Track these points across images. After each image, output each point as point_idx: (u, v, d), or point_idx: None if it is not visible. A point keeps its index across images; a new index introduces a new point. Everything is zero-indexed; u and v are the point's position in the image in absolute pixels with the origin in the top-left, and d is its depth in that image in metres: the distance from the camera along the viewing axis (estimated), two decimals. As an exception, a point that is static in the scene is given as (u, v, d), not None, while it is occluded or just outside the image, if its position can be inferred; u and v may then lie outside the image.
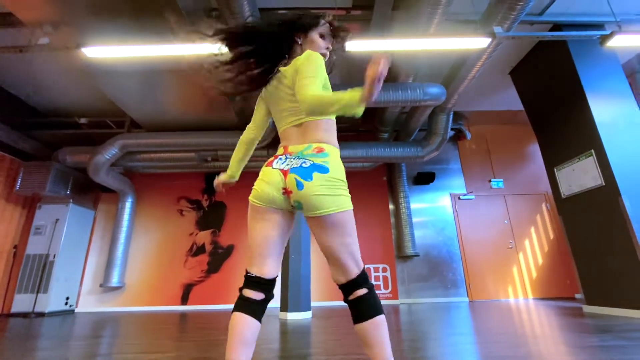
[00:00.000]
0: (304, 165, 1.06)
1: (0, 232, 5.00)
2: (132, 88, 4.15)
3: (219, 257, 5.69)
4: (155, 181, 6.12)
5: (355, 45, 3.03)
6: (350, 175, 6.00)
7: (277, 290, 4.12)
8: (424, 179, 6.10)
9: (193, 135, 4.87)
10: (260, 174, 1.12)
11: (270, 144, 5.05)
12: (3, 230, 5.06)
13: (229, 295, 5.44)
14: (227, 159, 5.39)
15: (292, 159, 1.10)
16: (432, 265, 5.65)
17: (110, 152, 4.83)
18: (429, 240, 5.80)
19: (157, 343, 2.41)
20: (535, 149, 6.17)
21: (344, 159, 5.16)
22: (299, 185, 1.02)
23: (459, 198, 6.09)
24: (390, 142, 5.27)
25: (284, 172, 1.07)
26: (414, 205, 5.96)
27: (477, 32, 3.26)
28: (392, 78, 4.29)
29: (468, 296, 5.48)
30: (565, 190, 3.91)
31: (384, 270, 5.60)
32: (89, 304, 5.44)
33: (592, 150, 3.54)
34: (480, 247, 5.76)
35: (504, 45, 3.83)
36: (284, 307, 3.81)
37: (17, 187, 4.95)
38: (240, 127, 5.06)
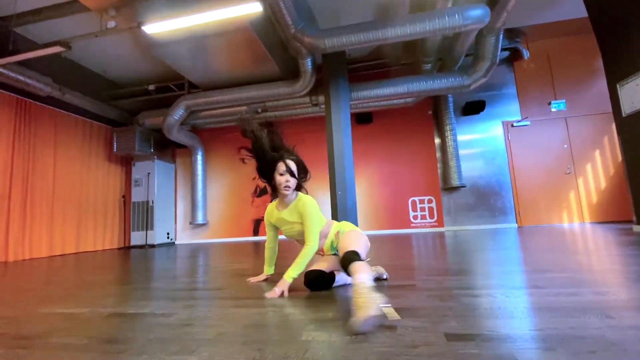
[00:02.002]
0: None
1: (110, 185, 6.35)
2: (185, 54, 4.64)
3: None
4: (218, 135, 6.92)
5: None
6: (393, 112, 6.12)
7: (328, 222, 4.75)
8: (473, 108, 5.89)
9: (242, 90, 5.33)
10: None
11: (312, 90, 5.32)
12: (112, 184, 6.40)
13: (290, 228, 6.32)
14: (274, 109, 5.84)
15: None
16: (480, 194, 5.75)
17: (177, 112, 5.59)
18: (476, 172, 5.82)
19: (237, 259, 3.20)
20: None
21: (384, 97, 5.25)
22: None
23: (512, 125, 5.82)
24: (432, 74, 5.13)
25: None
26: (461, 137, 5.90)
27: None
28: (430, 5, 4.08)
29: (517, 222, 5.57)
30: (627, 108, 3.61)
31: (430, 201, 5.89)
32: (184, 237, 6.83)
33: (662, 60, 3.16)
34: (533, 174, 5.62)
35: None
36: (335, 235, 4.45)
37: (115, 149, 6.10)
38: (282, 77, 5.38)
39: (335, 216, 4.48)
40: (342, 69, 4.83)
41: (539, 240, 3.28)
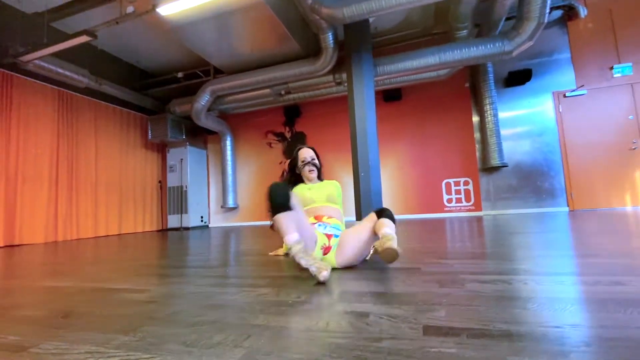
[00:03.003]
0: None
1: (147, 171, 6.69)
2: (204, 36, 4.62)
3: (305, 180, 6.41)
4: (245, 120, 6.95)
5: None
6: (424, 87, 5.67)
7: (352, 204, 4.54)
8: (518, 78, 5.26)
9: (264, 72, 5.23)
10: None
11: (335, 67, 5.08)
12: (149, 170, 6.74)
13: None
14: (298, 90, 5.69)
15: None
16: (524, 175, 5.18)
17: (203, 98, 5.66)
18: (521, 150, 5.23)
19: (254, 240, 3.17)
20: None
21: (414, 71, 4.85)
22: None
23: (565, 96, 5.11)
24: (467, 41, 4.61)
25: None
26: (503, 111, 5.31)
27: None
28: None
29: (569, 205, 4.95)
30: None
31: (466, 183, 5.43)
32: (217, 220, 7.05)
33: None
34: (589, 151, 4.92)
35: None
36: (358, 218, 4.27)
37: (149, 137, 6.38)
38: (303, 56, 5.19)
39: (357, 199, 4.29)
40: (366, 42, 4.51)
41: (591, 224, 2.83)
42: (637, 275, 1.06)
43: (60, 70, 4.80)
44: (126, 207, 6.14)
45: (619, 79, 4.87)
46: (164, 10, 3.44)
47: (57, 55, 4.65)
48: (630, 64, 4.82)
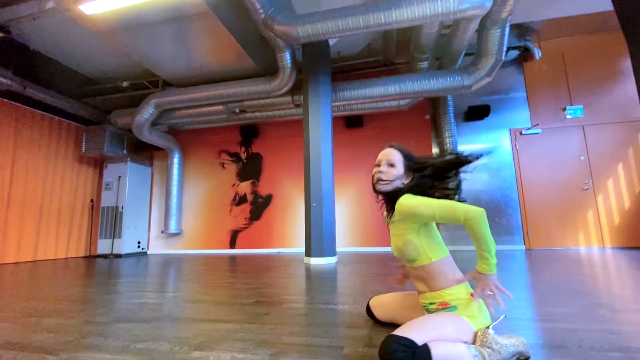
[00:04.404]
0: None
1: (79, 188, 5.89)
2: (149, 44, 4.17)
3: (259, 205, 5.93)
4: (197, 137, 6.43)
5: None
6: (386, 116, 5.51)
7: (301, 236, 4.13)
8: (477, 113, 5.25)
9: (216, 87, 4.83)
10: None
11: (293, 88, 4.78)
12: (82, 187, 5.95)
13: (270, 240, 5.72)
14: (255, 109, 5.32)
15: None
16: (483, 210, 5.05)
17: (147, 111, 5.12)
18: (479, 185, 5.13)
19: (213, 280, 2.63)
20: (629, 64, 4.72)
21: (373, 99, 4.67)
22: None
23: (521, 133, 5.14)
24: (427, 72, 4.53)
25: None
26: (462, 143, 5.24)
27: None
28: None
29: (525, 244, 4.85)
30: (661, 111, 2.92)
31: (425, 216, 5.21)
32: (157, 247, 6.30)
33: None
34: (544, 189, 4.91)
35: None
36: (308, 253, 3.84)
37: (83, 149, 5.65)
38: (260, 74, 4.86)
39: (308, 231, 3.88)
40: (324, 64, 4.28)
41: (550, 271, 2.60)
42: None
43: (-30, 68, 4.11)
44: (46, 229, 5.30)
45: (571, 120, 4.97)
46: (87, 9, 2.97)
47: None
48: (581, 106, 4.95)
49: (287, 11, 3.68)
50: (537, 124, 5.06)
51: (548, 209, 4.86)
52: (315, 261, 3.75)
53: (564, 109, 5.01)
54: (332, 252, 3.86)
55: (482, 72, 4.27)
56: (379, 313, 1.36)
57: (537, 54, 5.09)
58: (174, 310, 1.77)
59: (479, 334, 0.99)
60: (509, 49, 5.15)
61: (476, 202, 5.08)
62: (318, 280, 2.64)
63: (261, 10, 3.47)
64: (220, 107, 5.24)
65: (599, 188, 4.72)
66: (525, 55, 5.23)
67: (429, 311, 1.13)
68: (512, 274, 2.72)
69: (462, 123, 5.34)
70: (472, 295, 1.07)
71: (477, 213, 0.99)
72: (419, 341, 0.91)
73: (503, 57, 4.13)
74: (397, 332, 0.94)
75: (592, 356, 1.02)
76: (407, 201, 1.08)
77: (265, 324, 1.46)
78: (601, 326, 1.30)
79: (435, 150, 5.37)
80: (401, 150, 1.22)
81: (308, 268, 3.36)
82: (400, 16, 3.30)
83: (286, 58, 4.27)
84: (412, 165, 1.19)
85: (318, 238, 3.80)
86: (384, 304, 1.36)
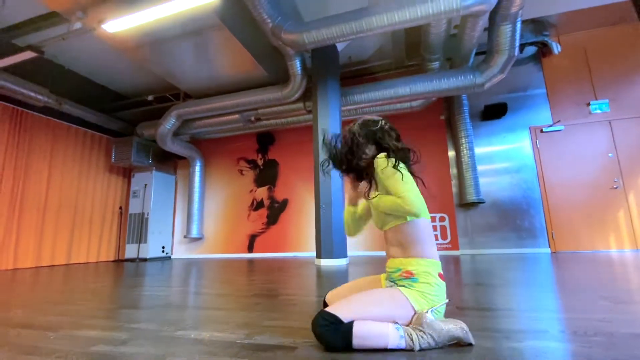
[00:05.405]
0: None
1: (109, 196, 6.29)
2: (169, 59, 4.45)
3: (275, 210, 6.04)
4: (217, 145, 6.69)
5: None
6: (399, 118, 5.47)
7: (312, 238, 4.15)
8: (494, 112, 5.10)
9: (231, 97, 5.05)
10: None
11: (305, 95, 4.89)
12: (111, 195, 6.35)
13: (286, 244, 5.80)
14: (269, 116, 5.48)
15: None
16: (503, 213, 4.86)
17: (169, 122, 5.42)
18: (498, 185, 4.95)
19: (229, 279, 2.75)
20: (659, 51, 4.43)
21: (382, 101, 4.68)
22: None
23: (542, 131, 4.92)
24: (438, 72, 4.49)
25: None
26: (479, 145, 5.09)
27: None
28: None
29: (550, 247, 4.59)
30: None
31: (442, 219, 5.08)
32: (180, 251, 6.56)
33: None
34: (569, 189, 4.65)
35: None
36: (318, 254, 3.86)
37: (113, 159, 6.06)
38: (273, 82, 5.03)
39: (318, 233, 3.91)
40: (333, 69, 4.36)
41: (578, 274, 2.46)
42: None
43: (16, 88, 4.56)
44: (79, 235, 5.68)
45: (596, 116, 4.71)
46: (109, 27, 3.24)
47: (14, 72, 4.45)
48: (606, 100, 4.68)
49: (294, 19, 3.81)
50: (559, 121, 4.83)
51: (574, 210, 4.58)
52: (325, 262, 3.76)
53: (588, 104, 4.76)
54: (342, 254, 3.86)
55: (494, 69, 4.17)
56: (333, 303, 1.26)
57: (556, 48, 4.90)
58: (176, 300, 1.86)
59: (415, 316, 0.99)
60: (525, 45, 5.00)
61: (496, 203, 4.90)
62: (323, 279, 2.66)
63: (269, 20, 3.62)
64: (237, 116, 5.45)
65: (630, 186, 4.41)
66: (543, 50, 5.04)
67: (390, 279, 1.13)
68: (530, 277, 2.60)
69: (479, 123, 5.20)
70: (440, 275, 1.06)
71: (408, 206, 1.06)
72: (347, 318, 0.93)
73: (516, 53, 4.02)
74: (330, 308, 0.97)
75: (571, 339, 0.98)
76: (385, 170, 1.12)
77: (253, 311, 1.51)
78: (594, 315, 1.23)
79: (451, 152, 5.25)
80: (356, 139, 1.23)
81: (318, 269, 3.38)
82: (402, 17, 3.33)
83: (296, 65, 4.39)
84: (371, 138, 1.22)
85: (328, 240, 3.82)
86: (339, 294, 1.24)
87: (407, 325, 0.98)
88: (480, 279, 2.33)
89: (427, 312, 0.99)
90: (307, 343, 1.02)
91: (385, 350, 0.93)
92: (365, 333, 0.92)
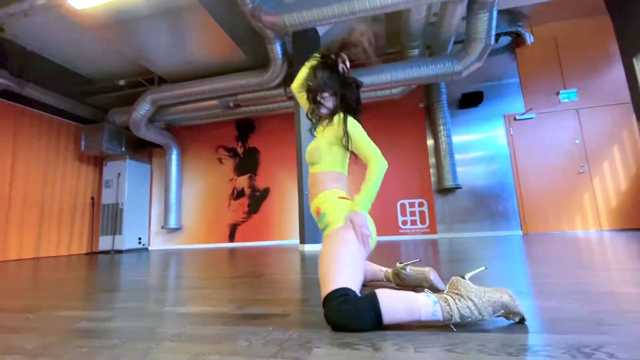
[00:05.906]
0: None
1: (80, 186, 5.99)
2: (142, 40, 4.24)
3: (257, 199, 5.98)
4: (195, 133, 6.50)
5: None
6: (379, 105, 5.50)
7: (295, 227, 4.17)
8: (471, 100, 5.24)
9: (209, 81, 4.89)
10: None
11: (285, 80, 4.81)
12: (82, 185, 6.04)
13: (269, 232, 5.77)
14: (249, 103, 5.37)
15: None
16: (478, 198, 5.05)
17: (143, 108, 5.19)
18: (474, 172, 5.13)
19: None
20: (622, 42, 4.69)
21: (365, 88, 4.68)
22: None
23: (515, 119, 5.12)
24: (417, 60, 4.54)
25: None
26: (457, 132, 5.24)
27: None
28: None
29: (522, 229, 4.83)
30: (648, 85, 2.92)
31: (421, 205, 5.22)
32: (158, 242, 6.38)
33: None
34: (540, 174, 4.89)
35: None
36: (302, 240, 3.87)
37: (82, 147, 5.75)
38: (252, 67, 4.91)
39: (301, 219, 3.91)
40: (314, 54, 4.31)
41: (547, 251, 2.60)
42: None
43: (-32, 69, 4.21)
44: (48, 227, 5.39)
45: (565, 104, 4.95)
46: (76, 3, 3.04)
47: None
48: (575, 90, 4.92)
49: (275, 1, 3.72)
50: (531, 109, 5.04)
51: (544, 194, 4.84)
52: (309, 247, 3.78)
53: (558, 93, 4.99)
54: (325, 239, 3.88)
55: (472, 57, 4.28)
56: None
57: (529, 39, 5.08)
58: (159, 283, 1.81)
59: (450, 281, 0.86)
60: (501, 34, 5.14)
61: (472, 189, 5.08)
62: (307, 261, 2.67)
63: (248, 1, 3.51)
64: (215, 102, 5.30)
65: (595, 171, 4.69)
66: (517, 41, 5.21)
67: (317, 221, 1.18)
68: (504, 252, 2.72)
69: (456, 111, 5.33)
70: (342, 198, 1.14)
71: (384, 164, 1.13)
72: (348, 285, 0.84)
73: (492, 42, 4.14)
74: (326, 288, 0.85)
75: (551, 298, 1.04)
76: (356, 129, 1.17)
77: (241, 289, 1.49)
78: (568, 280, 1.31)
79: (430, 141, 5.37)
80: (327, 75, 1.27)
81: (302, 254, 3.40)
82: (384, 1, 3.32)
83: (277, 49, 4.31)
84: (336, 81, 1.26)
85: (312, 226, 3.83)
86: None
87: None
88: (457, 256, 2.43)
89: (464, 277, 0.86)
90: (300, 310, 1.03)
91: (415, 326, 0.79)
92: (395, 302, 0.80)
